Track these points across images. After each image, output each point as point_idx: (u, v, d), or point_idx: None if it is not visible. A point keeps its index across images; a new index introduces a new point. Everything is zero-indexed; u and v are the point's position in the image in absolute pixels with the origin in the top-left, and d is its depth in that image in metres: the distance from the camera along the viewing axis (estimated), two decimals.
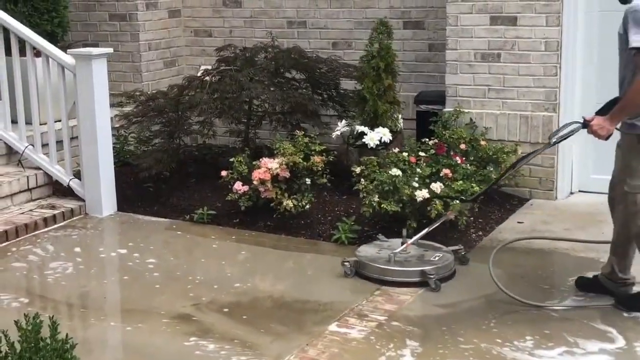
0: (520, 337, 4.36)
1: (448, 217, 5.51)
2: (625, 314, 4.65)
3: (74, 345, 2.73)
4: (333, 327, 4.54)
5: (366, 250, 5.48)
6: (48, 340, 2.70)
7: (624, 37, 4.36)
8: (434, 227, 5.43)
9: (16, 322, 2.75)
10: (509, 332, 4.43)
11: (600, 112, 4.58)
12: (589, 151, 6.66)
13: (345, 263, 5.32)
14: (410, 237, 5.45)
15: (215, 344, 4.36)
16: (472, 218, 5.89)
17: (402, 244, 5.34)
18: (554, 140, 4.93)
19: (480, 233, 6.01)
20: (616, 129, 4.52)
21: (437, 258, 5.31)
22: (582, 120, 4.65)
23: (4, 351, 2.71)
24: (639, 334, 4.38)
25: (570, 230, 5.95)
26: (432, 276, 5.08)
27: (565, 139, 4.96)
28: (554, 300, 4.87)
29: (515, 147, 6.56)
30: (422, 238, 5.41)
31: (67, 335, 2.74)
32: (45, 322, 2.79)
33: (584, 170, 6.86)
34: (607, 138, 4.52)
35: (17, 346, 2.71)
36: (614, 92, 4.57)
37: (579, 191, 6.90)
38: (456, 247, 5.52)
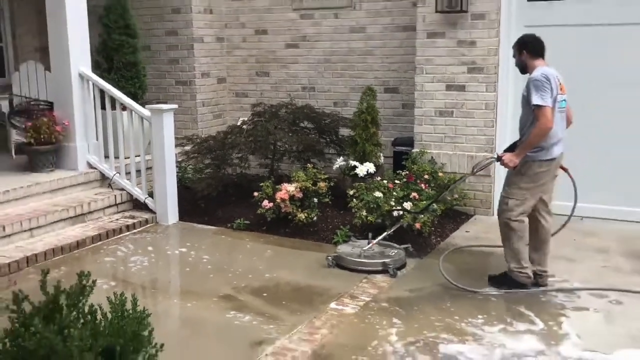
0: (472, 316, 4.31)
1: (400, 224, 5.47)
2: (543, 298, 4.60)
3: (149, 315, 2.71)
4: (333, 305, 4.53)
5: (344, 248, 5.46)
6: (131, 312, 2.69)
7: (526, 97, 4.51)
8: (390, 232, 5.40)
9: (108, 298, 2.75)
10: (463, 312, 4.38)
11: (508, 150, 4.68)
12: None
13: (329, 257, 5.31)
14: (408, 245, 5.48)
15: (250, 316, 4.35)
16: (432, 228, 5.87)
17: (369, 243, 5.33)
18: (475, 170, 5.00)
19: (439, 239, 5.98)
20: None
21: (393, 253, 5.30)
22: (496, 156, 4.73)
23: (99, 318, 2.70)
24: (550, 316, 4.32)
25: None
26: (390, 266, 5.08)
27: (483, 169, 5.09)
28: (488, 288, 4.79)
29: (463, 177, 6.54)
30: (383, 239, 5.38)
31: (143, 307, 2.73)
32: (128, 298, 2.79)
33: None
34: (514, 168, 4.58)
35: (109, 315, 2.70)
36: None
37: None
38: (406, 246, 5.48)
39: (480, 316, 4.31)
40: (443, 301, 4.56)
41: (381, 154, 6.96)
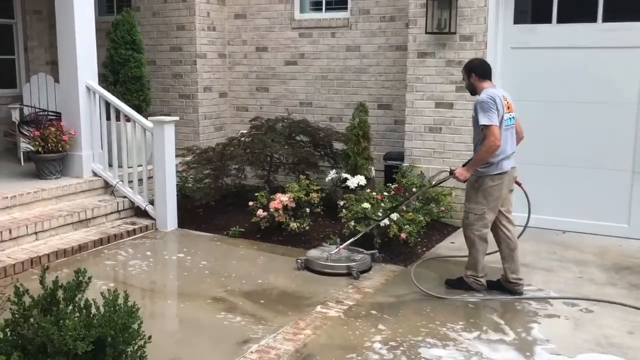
0: (453, 322, 4.41)
1: (363, 232, 5.58)
2: (517, 305, 4.73)
3: (138, 309, 2.87)
4: (318, 308, 4.65)
5: (313, 252, 5.61)
6: (122, 306, 2.86)
7: (475, 118, 4.64)
8: (356, 238, 5.54)
9: (102, 294, 2.92)
10: (443, 318, 4.47)
11: (464, 166, 4.82)
12: None
13: (298, 260, 5.45)
14: (375, 251, 5.60)
15: (239, 317, 4.48)
16: (419, 239, 5.93)
17: (336, 248, 5.48)
18: (434, 183, 5.17)
19: (425, 249, 6.08)
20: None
21: (359, 258, 5.44)
22: (449, 170, 4.90)
23: (93, 312, 2.87)
24: (522, 322, 4.43)
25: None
26: (354, 269, 5.25)
27: (441, 182, 5.22)
28: (464, 295, 4.90)
29: (451, 191, 6.65)
30: (350, 245, 5.53)
31: (134, 302, 2.89)
32: (121, 295, 2.94)
33: None
34: (464, 182, 4.76)
35: (102, 309, 2.87)
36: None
37: None
38: (373, 251, 5.62)
39: (460, 322, 4.41)
40: (423, 307, 4.68)
41: (372, 167, 7.09)
